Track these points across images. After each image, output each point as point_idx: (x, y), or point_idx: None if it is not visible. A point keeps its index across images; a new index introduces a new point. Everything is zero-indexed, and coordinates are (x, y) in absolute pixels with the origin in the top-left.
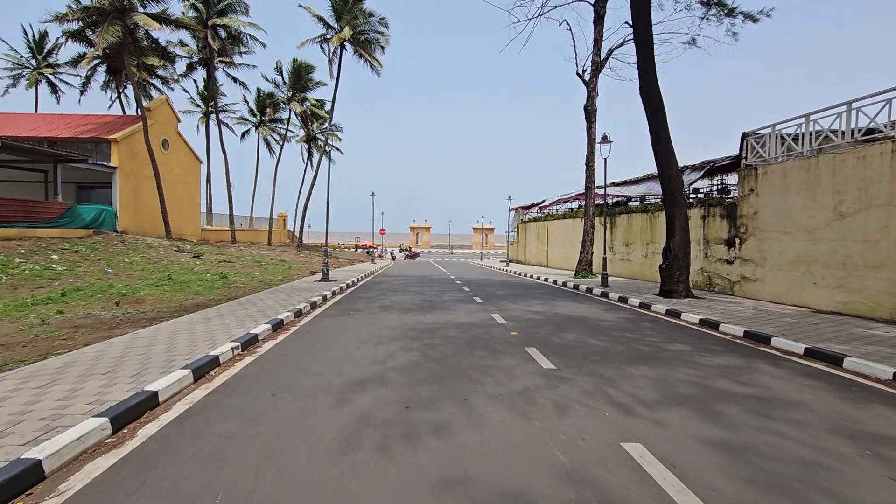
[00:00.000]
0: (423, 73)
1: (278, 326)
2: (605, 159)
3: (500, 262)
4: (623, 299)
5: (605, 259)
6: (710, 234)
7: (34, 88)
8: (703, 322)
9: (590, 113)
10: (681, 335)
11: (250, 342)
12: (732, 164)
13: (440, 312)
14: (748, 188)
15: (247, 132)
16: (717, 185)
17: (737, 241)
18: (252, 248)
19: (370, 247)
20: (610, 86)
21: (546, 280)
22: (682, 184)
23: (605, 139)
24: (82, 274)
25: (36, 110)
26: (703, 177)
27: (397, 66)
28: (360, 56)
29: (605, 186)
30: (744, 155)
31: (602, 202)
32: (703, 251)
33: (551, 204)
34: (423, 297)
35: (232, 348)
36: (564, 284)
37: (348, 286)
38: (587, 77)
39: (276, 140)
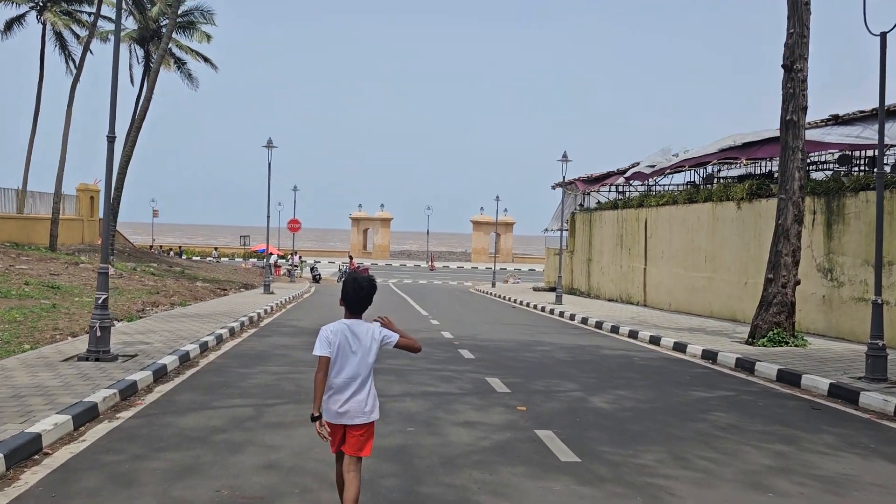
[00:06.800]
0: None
1: None
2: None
3: (532, 289)
4: None
5: (879, 306)
6: None
7: None
8: None
9: None
10: None
11: None
12: None
13: None
14: None
15: (18, 20)
16: None
17: None
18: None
19: (275, 256)
20: None
21: (695, 356)
22: None
23: None
24: None
25: None
26: None
27: None
28: None
29: (880, 112)
30: None
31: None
32: None
33: (653, 173)
34: None
35: None
36: (773, 383)
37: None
38: None
39: (78, 38)
